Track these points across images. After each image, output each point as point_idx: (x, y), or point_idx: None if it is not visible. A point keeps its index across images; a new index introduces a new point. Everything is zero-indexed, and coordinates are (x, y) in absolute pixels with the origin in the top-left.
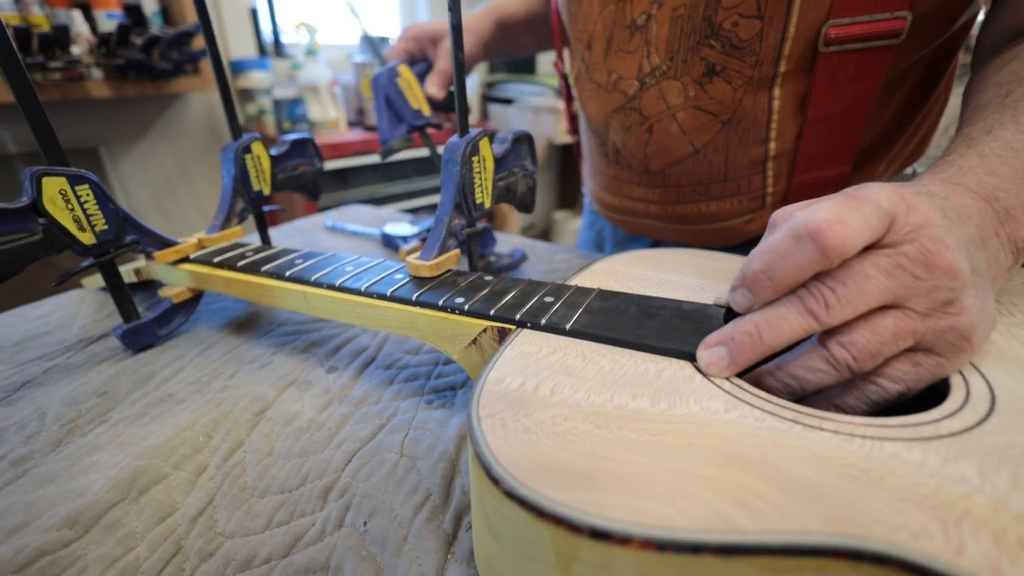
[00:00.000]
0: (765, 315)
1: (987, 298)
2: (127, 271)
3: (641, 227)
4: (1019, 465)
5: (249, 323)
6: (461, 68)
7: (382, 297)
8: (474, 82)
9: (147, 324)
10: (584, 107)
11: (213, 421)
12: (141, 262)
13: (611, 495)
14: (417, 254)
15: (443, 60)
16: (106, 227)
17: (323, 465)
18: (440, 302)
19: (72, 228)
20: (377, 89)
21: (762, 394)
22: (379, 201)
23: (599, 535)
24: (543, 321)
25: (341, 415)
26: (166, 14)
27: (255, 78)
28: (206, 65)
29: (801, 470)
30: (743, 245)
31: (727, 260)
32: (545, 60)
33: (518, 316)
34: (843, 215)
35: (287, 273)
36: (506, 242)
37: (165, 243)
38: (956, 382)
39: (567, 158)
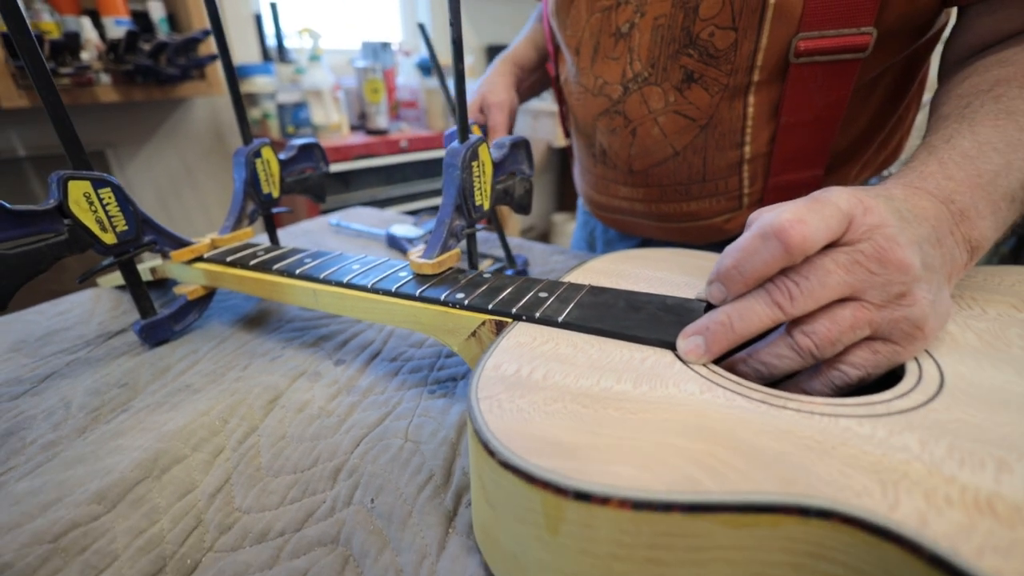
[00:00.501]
0: (737, 307)
1: (941, 292)
2: (144, 270)
3: (628, 225)
4: (956, 437)
5: (259, 319)
6: (462, 79)
7: (387, 293)
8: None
9: (163, 320)
10: (573, 109)
11: (228, 408)
12: (157, 261)
13: (594, 463)
14: (421, 253)
15: (494, 118)
16: (126, 227)
17: (333, 448)
18: (442, 297)
19: (95, 229)
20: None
21: (735, 378)
22: (381, 203)
23: (582, 496)
24: (537, 314)
25: (349, 403)
26: (172, 20)
27: (259, 83)
28: (211, 70)
29: (763, 441)
30: (724, 243)
31: (710, 259)
32: None
33: (514, 310)
34: (804, 216)
35: (297, 271)
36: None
37: (180, 243)
38: (911, 368)
39: (566, 161)
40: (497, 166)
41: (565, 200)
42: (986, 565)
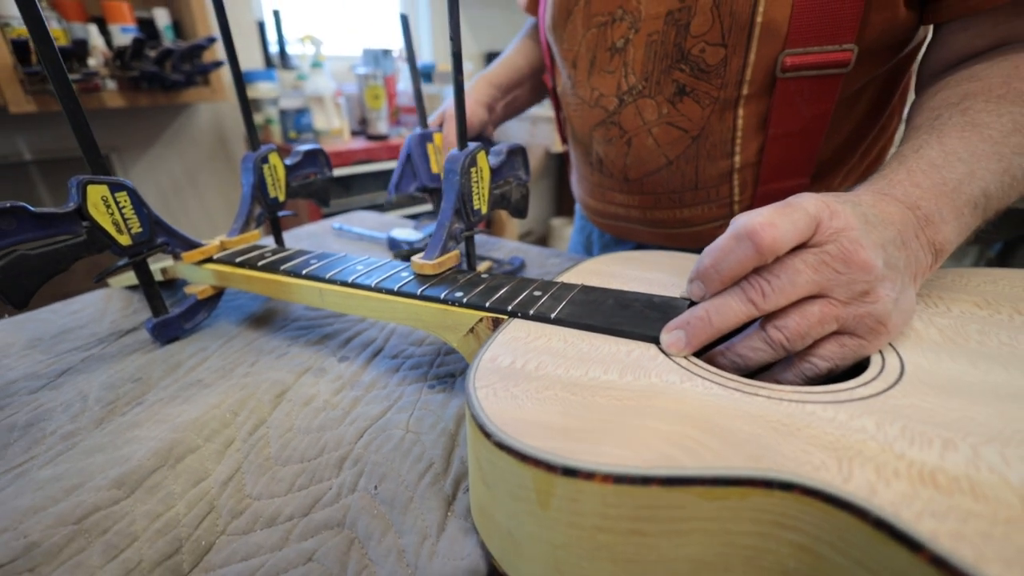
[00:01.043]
0: (714, 303)
1: (905, 290)
2: (155, 270)
3: (624, 231)
4: (909, 419)
5: (266, 319)
6: (461, 90)
7: (390, 292)
8: None
9: (174, 318)
10: (570, 119)
11: (238, 402)
12: (168, 262)
13: (581, 444)
14: (422, 254)
15: (448, 129)
16: (140, 230)
17: (338, 439)
18: (442, 296)
19: (112, 230)
20: (405, 146)
21: (713, 369)
22: (381, 207)
23: (569, 472)
24: (531, 311)
25: (353, 397)
26: (177, 27)
27: (262, 89)
28: (215, 76)
29: (736, 424)
30: None
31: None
32: None
33: (510, 307)
34: (775, 219)
35: (304, 272)
36: (504, 248)
37: (191, 245)
38: (875, 359)
39: (564, 166)
40: (495, 172)
41: (563, 205)
42: (923, 527)
